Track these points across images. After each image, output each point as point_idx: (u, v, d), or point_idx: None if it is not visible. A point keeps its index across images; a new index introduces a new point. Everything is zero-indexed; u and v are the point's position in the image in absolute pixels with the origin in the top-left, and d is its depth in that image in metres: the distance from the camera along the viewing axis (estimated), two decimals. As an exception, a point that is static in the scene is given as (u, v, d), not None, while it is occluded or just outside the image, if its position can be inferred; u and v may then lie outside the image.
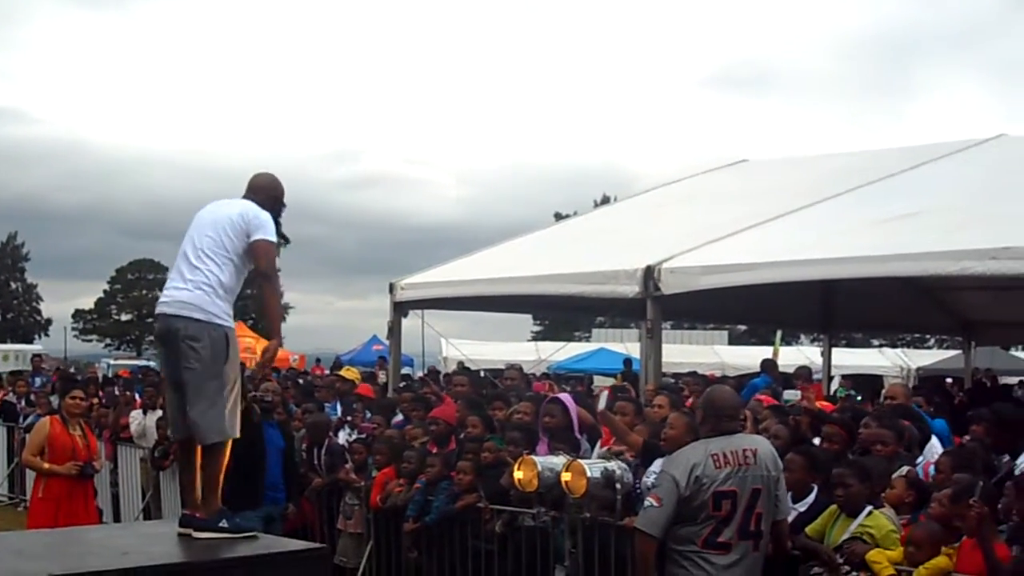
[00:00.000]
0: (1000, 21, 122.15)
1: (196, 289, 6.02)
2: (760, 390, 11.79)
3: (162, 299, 6.16)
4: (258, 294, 6.58)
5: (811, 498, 7.05)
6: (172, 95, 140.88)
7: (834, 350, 20.11)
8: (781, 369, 18.97)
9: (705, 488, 6.01)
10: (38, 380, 21.03)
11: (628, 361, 24.67)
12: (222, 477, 6.20)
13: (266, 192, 6.51)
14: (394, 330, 14.01)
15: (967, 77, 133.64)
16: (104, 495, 13.18)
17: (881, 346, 38.98)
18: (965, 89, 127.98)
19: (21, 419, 16.41)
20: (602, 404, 8.29)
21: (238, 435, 6.26)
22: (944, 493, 6.41)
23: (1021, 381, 27.77)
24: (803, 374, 14.20)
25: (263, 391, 10.58)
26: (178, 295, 6.06)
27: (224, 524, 6.08)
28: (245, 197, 6.45)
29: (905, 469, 7.33)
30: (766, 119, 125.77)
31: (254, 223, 6.18)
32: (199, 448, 6.20)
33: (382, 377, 17.57)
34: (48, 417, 10.93)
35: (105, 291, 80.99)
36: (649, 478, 7.14)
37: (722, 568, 6.04)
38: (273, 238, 6.23)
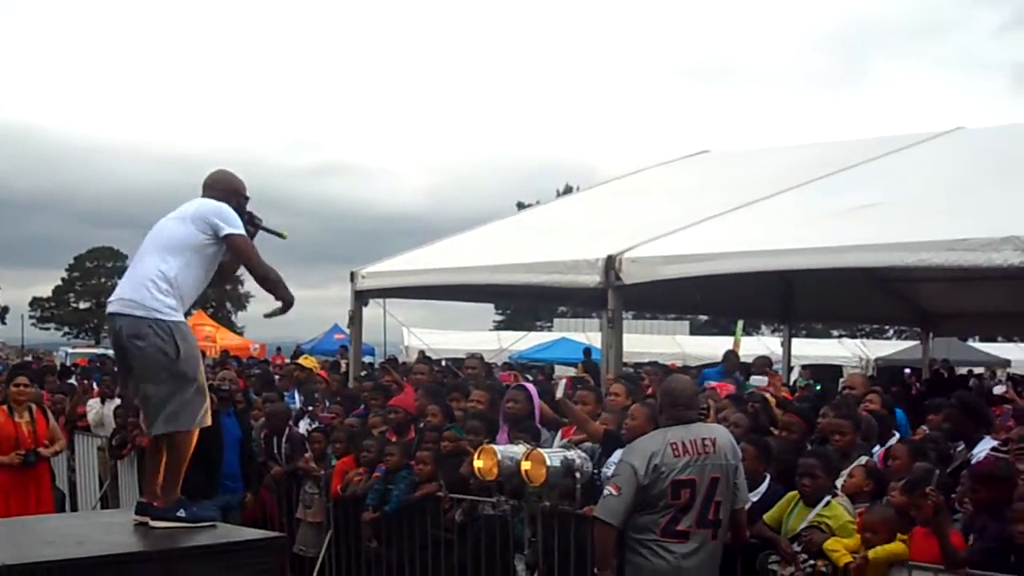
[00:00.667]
0: (959, 15, 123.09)
1: (139, 286, 5.87)
2: (712, 379, 11.85)
3: (116, 294, 6.04)
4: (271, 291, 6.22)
5: (763, 487, 7.09)
6: (132, 82, 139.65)
7: (794, 340, 20.22)
8: (742, 359, 19.06)
9: (664, 477, 6.04)
10: (-6, 368, 20.84)
11: (588, 351, 24.71)
12: (184, 468, 6.10)
13: (220, 186, 6.29)
14: (355, 319, 13.95)
15: (926, 70, 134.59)
16: (63, 481, 13.08)
17: (841, 336, 39.35)
18: (924, 82, 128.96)
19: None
20: (560, 392, 8.30)
21: (207, 424, 6.15)
22: (901, 482, 6.47)
23: (971, 370, 28.04)
24: (762, 364, 14.28)
25: (220, 380, 10.54)
26: (121, 292, 5.95)
27: (182, 513, 5.99)
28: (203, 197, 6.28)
29: (864, 459, 7.39)
30: (729, 111, 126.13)
31: (215, 216, 5.98)
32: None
33: (343, 366, 17.53)
34: None
35: (63, 279, 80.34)
36: (609, 468, 7.15)
37: (681, 556, 6.08)
38: (243, 230, 6.05)
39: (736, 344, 21.48)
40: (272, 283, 6.12)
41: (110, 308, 5.99)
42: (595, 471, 7.32)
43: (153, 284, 5.85)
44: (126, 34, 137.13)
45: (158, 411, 5.93)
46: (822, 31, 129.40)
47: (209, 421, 6.19)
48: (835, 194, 11.88)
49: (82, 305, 79.41)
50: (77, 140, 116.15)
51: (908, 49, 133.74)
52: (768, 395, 9.77)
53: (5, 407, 10.39)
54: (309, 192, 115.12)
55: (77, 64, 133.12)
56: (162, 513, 5.98)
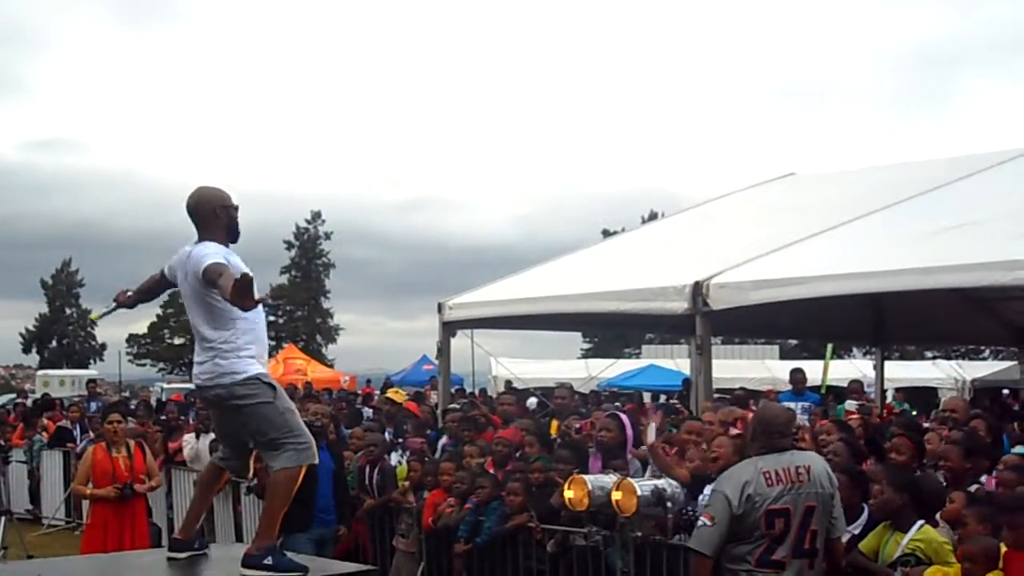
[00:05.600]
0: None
1: (213, 362, 5.87)
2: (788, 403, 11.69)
3: (194, 370, 6.08)
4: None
5: (863, 519, 6.94)
6: (224, 126, 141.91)
7: (887, 363, 19.88)
8: (834, 383, 18.78)
9: (757, 506, 5.97)
10: (93, 405, 21.26)
11: (687, 380, 24.45)
12: (284, 511, 6.01)
13: (204, 205, 6.07)
14: (443, 350, 14.02)
15: (1015, 86, 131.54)
16: (160, 516, 13.31)
17: (935, 358, 38.51)
18: (1013, 98, 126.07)
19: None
20: (651, 436, 8.13)
21: (315, 461, 6.10)
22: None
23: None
24: (856, 388, 14.09)
25: (312, 414, 10.62)
26: (202, 368, 5.95)
27: (269, 561, 5.86)
28: (198, 232, 6.06)
29: (975, 487, 7.22)
30: (815, 133, 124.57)
31: (200, 265, 5.76)
32: (225, 480, 6.10)
33: (434, 397, 17.64)
34: (94, 443, 11.10)
35: (158, 315, 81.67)
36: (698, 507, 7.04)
37: (776, 586, 6.00)
38: (214, 259, 5.70)
39: (826, 368, 21.17)
40: (236, 288, 5.46)
41: (197, 381, 6.06)
42: (688, 509, 7.24)
43: (223, 356, 5.86)
44: (220, 82, 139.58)
45: (278, 450, 5.90)
46: (908, 50, 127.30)
47: (317, 459, 6.16)
48: (926, 214, 11.70)
49: (176, 341, 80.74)
50: (170, 181, 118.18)
51: (996, 66, 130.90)
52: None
53: (103, 443, 10.63)
54: (400, 226, 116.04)
55: (174, 111, 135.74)
56: (252, 561, 5.86)
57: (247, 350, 5.91)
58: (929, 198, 12.58)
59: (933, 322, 17.05)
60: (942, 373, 33.69)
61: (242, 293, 5.33)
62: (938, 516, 6.78)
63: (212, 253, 5.80)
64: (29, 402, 25.74)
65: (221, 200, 6.12)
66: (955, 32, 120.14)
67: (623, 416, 9.17)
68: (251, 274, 5.51)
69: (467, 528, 9.22)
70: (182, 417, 15.62)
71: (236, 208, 6.14)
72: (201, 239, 6.03)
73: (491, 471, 9.70)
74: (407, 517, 10.26)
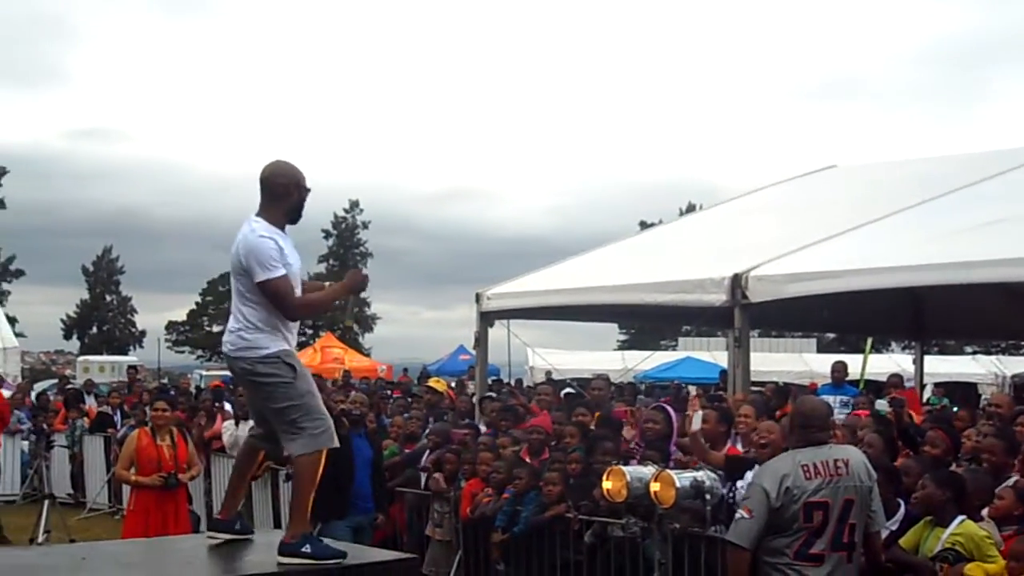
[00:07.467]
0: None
1: (240, 335, 5.93)
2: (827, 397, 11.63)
3: (224, 336, 6.13)
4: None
5: (900, 514, 6.92)
6: (263, 118, 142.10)
7: (926, 357, 19.73)
8: (872, 377, 18.67)
9: (796, 499, 5.96)
10: (133, 391, 21.41)
11: (724, 372, 24.39)
12: (312, 495, 6.00)
13: (279, 179, 6.06)
14: (480, 340, 14.04)
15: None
16: (199, 503, 13.42)
17: (975, 353, 38.26)
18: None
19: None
20: (696, 425, 8.07)
21: (335, 445, 6.06)
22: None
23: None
24: (895, 382, 13.98)
25: (351, 403, 10.70)
26: (230, 338, 6.01)
27: (308, 549, 5.84)
28: (261, 203, 6.09)
29: (1013, 479, 7.17)
30: (855, 128, 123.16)
31: (249, 264, 5.84)
32: (261, 460, 6.13)
33: (471, 387, 17.67)
34: (138, 429, 11.18)
35: (197, 303, 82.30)
36: (737, 492, 7.05)
37: (815, 579, 5.99)
38: (273, 271, 5.80)
39: (864, 362, 21.04)
40: (315, 308, 6.05)
41: (224, 349, 6.11)
42: (730, 495, 7.23)
43: (249, 330, 5.91)
44: (260, 72, 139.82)
45: (295, 433, 5.91)
46: (946, 45, 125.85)
47: (336, 442, 6.15)
48: (966, 208, 11.59)
49: (215, 328, 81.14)
50: (210, 171, 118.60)
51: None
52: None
53: (148, 430, 10.72)
54: (437, 216, 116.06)
55: (215, 101, 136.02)
56: (289, 549, 5.85)
57: (275, 327, 5.93)
58: (969, 192, 12.46)
59: (973, 317, 16.89)
60: (982, 368, 33.45)
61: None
62: (985, 512, 6.72)
63: (269, 258, 5.82)
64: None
65: (297, 179, 6.11)
66: (992, 27, 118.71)
67: (669, 408, 9.16)
68: None
69: (504, 518, 9.25)
70: (216, 404, 15.70)
71: (308, 191, 6.15)
72: (260, 211, 6.04)
73: (527, 459, 9.72)
74: (439, 506, 10.30)
